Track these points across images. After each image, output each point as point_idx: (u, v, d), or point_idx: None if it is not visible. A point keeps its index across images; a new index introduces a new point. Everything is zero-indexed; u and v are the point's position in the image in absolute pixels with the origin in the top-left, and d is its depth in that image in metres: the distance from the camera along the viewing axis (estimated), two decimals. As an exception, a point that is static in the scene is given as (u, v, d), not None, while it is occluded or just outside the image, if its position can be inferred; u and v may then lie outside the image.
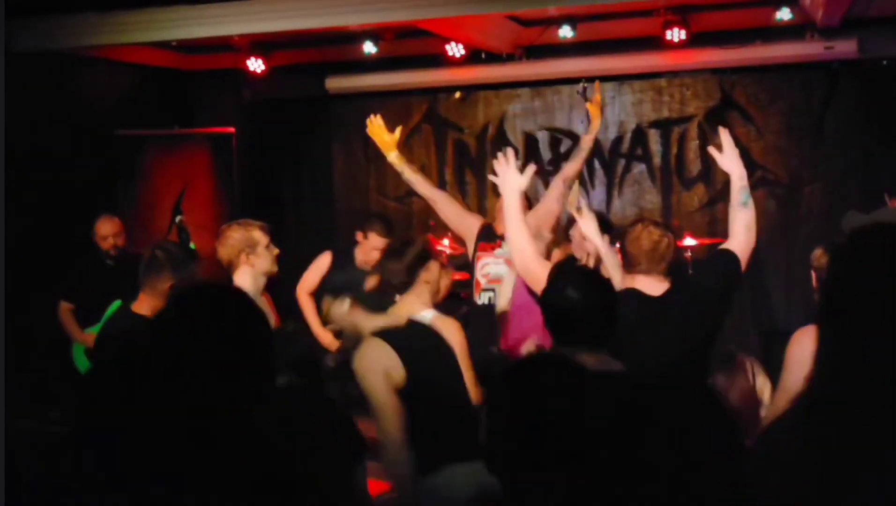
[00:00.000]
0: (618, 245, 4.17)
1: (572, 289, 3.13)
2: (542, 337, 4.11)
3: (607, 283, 3.33)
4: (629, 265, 3.91)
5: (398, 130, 6.02)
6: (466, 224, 6.13)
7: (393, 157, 5.95)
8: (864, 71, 8.37)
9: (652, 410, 2.83)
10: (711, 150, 4.33)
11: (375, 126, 5.98)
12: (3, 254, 5.12)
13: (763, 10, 7.76)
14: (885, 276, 1.83)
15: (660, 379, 3.62)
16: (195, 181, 9.02)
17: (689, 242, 7.88)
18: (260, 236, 4.62)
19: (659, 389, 3.07)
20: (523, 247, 4.08)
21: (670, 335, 3.71)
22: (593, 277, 3.30)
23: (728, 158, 4.28)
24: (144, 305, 4.49)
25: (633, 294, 3.83)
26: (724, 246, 4.07)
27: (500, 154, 4.37)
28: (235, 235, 4.59)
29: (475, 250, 6.06)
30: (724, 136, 4.31)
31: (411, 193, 9.80)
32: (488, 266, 5.93)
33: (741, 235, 4.08)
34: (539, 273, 3.92)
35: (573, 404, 2.33)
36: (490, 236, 6.06)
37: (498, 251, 5.97)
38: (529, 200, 6.36)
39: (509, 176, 4.26)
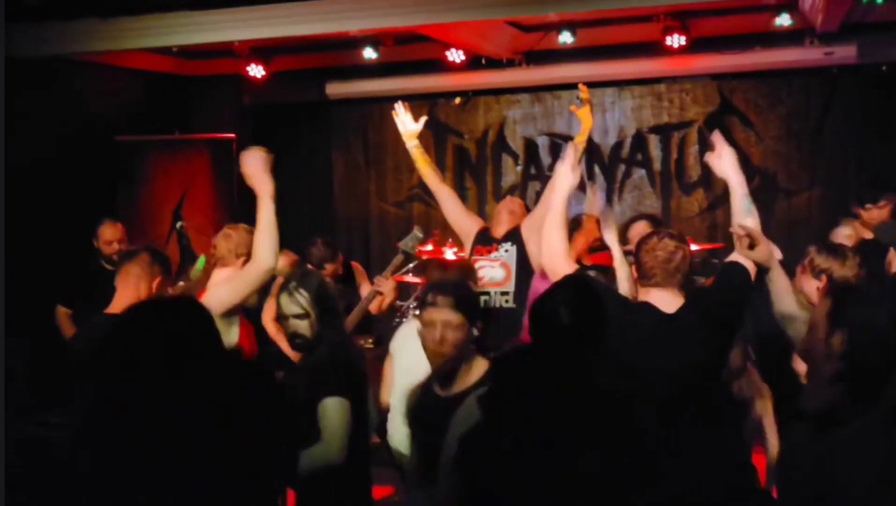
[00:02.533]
0: (631, 258, 4.10)
1: (565, 308, 3.11)
2: None
3: (601, 305, 3.25)
4: (644, 277, 3.79)
5: (422, 119, 6.08)
6: (466, 225, 6.19)
7: (412, 145, 6.04)
8: (864, 76, 8.39)
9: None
10: (708, 156, 4.14)
11: (401, 113, 6.04)
12: (2, 256, 5.13)
13: (762, 16, 7.78)
14: None
15: (668, 395, 3.60)
16: (195, 187, 9.02)
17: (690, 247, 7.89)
18: None
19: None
20: (556, 244, 3.99)
21: (682, 355, 3.65)
22: (590, 298, 3.24)
23: (725, 164, 4.02)
24: (123, 303, 4.41)
25: (648, 309, 3.77)
26: (731, 258, 3.86)
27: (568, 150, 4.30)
28: (241, 238, 4.60)
29: (471, 253, 6.09)
30: (718, 139, 4.06)
31: (411, 198, 9.85)
32: (484, 269, 5.95)
33: None
34: (564, 274, 3.87)
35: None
36: (486, 240, 6.08)
37: (494, 255, 6.00)
38: (526, 206, 6.39)
39: (563, 172, 4.18)
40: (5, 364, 4.75)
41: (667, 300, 3.74)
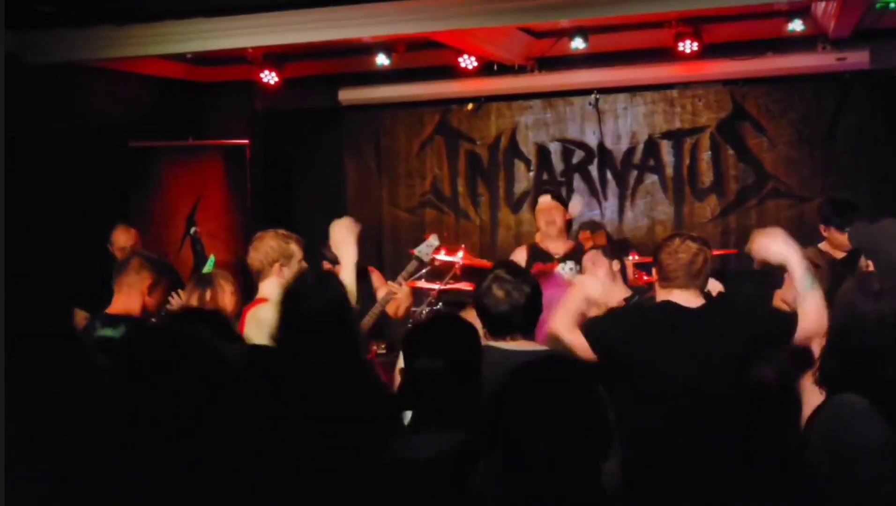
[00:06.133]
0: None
1: (497, 287, 3.51)
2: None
3: (531, 279, 3.63)
4: (665, 279, 3.82)
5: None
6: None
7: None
8: (876, 81, 8.38)
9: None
10: (757, 250, 3.93)
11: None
12: (3, 257, 5.17)
13: (775, 22, 7.77)
14: None
15: (690, 391, 3.60)
16: (208, 192, 9.06)
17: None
18: (296, 250, 4.67)
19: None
20: (562, 336, 3.91)
21: (705, 348, 3.66)
22: (518, 275, 3.59)
23: (778, 244, 3.88)
24: (119, 306, 4.69)
25: (669, 306, 3.79)
26: (794, 313, 3.78)
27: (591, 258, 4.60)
28: (273, 245, 4.62)
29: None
30: (769, 234, 3.96)
31: (423, 203, 9.87)
32: None
33: (811, 316, 3.70)
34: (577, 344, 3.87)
35: None
36: (542, 257, 6.03)
37: (557, 270, 5.95)
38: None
39: (588, 281, 4.18)
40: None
41: (688, 299, 3.77)
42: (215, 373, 2.48)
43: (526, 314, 3.53)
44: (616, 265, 5.30)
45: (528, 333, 3.53)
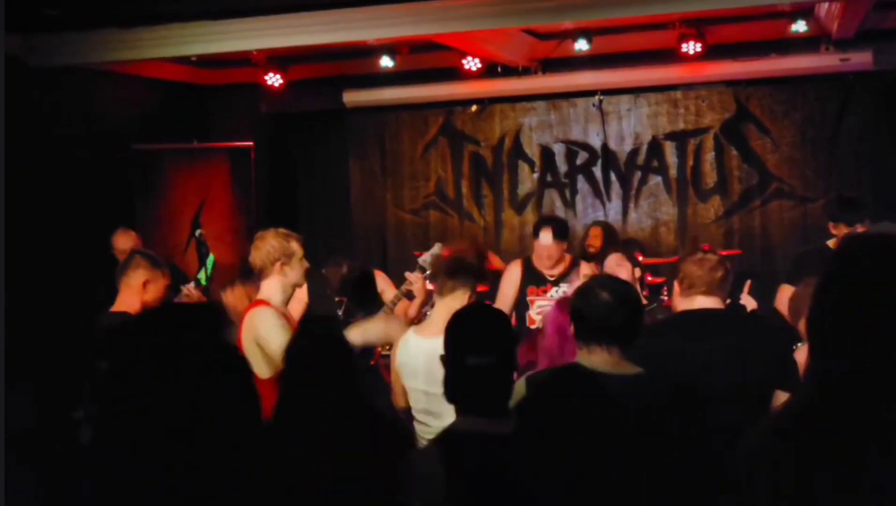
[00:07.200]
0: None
1: (600, 289, 3.26)
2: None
3: (634, 291, 3.46)
4: (689, 287, 3.90)
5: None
6: (510, 282, 6.10)
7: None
8: (879, 82, 8.39)
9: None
10: None
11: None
12: (3, 260, 5.21)
13: (778, 23, 7.78)
14: (869, 287, 1.79)
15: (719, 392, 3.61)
16: (213, 195, 9.08)
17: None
18: (296, 248, 4.67)
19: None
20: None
21: (734, 337, 3.72)
22: (622, 284, 3.42)
23: None
24: (120, 305, 4.84)
25: (690, 311, 3.87)
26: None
27: None
28: (273, 243, 4.63)
29: (523, 295, 6.01)
30: None
31: (427, 205, 9.88)
32: (544, 307, 5.89)
33: None
34: None
35: None
36: (536, 277, 6.02)
37: (551, 294, 5.96)
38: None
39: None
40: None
41: (712, 305, 3.84)
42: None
43: (626, 323, 3.29)
44: (637, 272, 5.39)
45: (625, 347, 3.29)
